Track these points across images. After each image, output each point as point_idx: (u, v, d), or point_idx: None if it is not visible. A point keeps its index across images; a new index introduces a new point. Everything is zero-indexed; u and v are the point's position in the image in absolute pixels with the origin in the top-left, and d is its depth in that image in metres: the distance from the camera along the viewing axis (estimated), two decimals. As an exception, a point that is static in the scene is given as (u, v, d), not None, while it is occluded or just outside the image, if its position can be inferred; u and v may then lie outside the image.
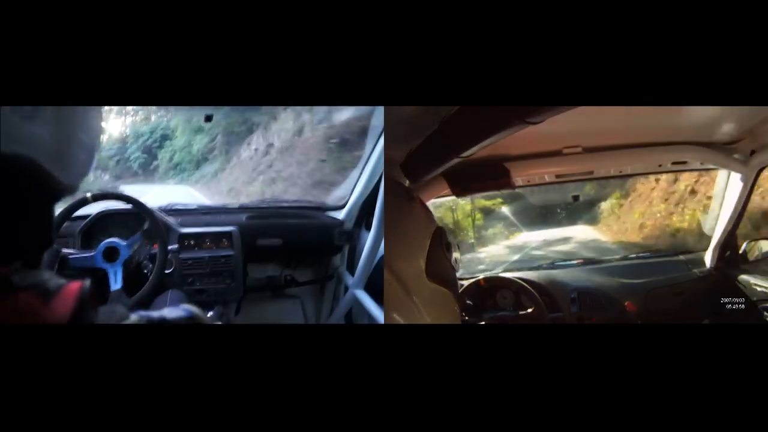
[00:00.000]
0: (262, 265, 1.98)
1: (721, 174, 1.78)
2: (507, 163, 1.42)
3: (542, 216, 6.93)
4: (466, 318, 1.72)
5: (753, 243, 1.76)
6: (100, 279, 1.43)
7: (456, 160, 0.88)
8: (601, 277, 1.90)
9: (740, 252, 1.77)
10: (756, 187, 1.66)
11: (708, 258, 1.84)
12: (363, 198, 1.86)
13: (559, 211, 7.16)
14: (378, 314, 1.48)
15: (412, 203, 0.99)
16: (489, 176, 1.40)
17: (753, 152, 1.55)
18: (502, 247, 6.38)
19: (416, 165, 0.99)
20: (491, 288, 1.78)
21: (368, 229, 1.84)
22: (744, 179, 1.63)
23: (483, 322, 1.70)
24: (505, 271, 1.97)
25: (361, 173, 1.84)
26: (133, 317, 0.47)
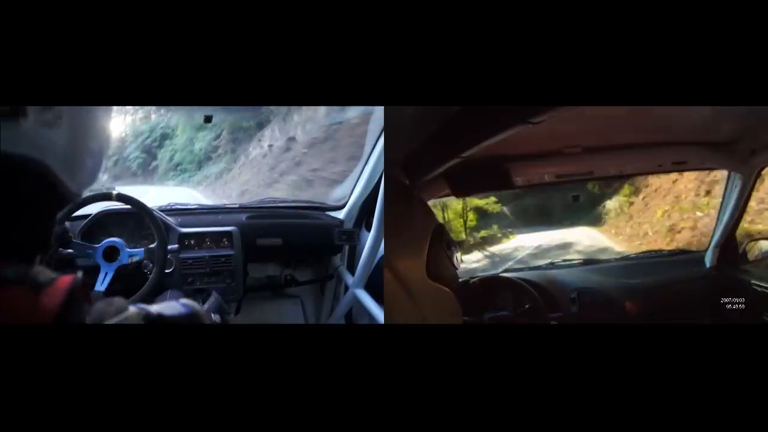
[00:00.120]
0: (262, 264, 1.98)
1: (721, 174, 1.78)
2: (507, 163, 1.42)
3: (540, 217, 6.38)
4: (466, 318, 1.72)
5: (753, 243, 1.76)
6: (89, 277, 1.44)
7: (456, 160, 0.88)
8: (601, 277, 1.90)
9: (740, 252, 1.77)
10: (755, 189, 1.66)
11: (708, 258, 1.84)
12: (363, 198, 1.86)
13: (558, 211, 6.57)
14: (378, 314, 1.48)
15: (412, 202, 0.99)
16: (489, 176, 1.40)
17: (753, 152, 1.55)
18: (495, 252, 5.84)
19: (416, 165, 0.99)
20: (491, 288, 1.78)
21: (368, 228, 1.84)
22: (744, 179, 1.62)
23: (483, 322, 1.70)
24: (505, 271, 1.97)
25: (361, 173, 1.84)
26: (132, 309, 0.47)
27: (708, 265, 1.83)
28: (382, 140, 1.63)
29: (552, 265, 2.10)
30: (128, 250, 1.47)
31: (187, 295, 1.57)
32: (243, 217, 1.83)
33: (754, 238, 1.80)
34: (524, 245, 5.81)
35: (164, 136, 8.76)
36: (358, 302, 1.69)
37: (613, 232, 5.93)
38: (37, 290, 0.42)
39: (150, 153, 8.73)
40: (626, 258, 2.16)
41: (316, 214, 1.98)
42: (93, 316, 0.44)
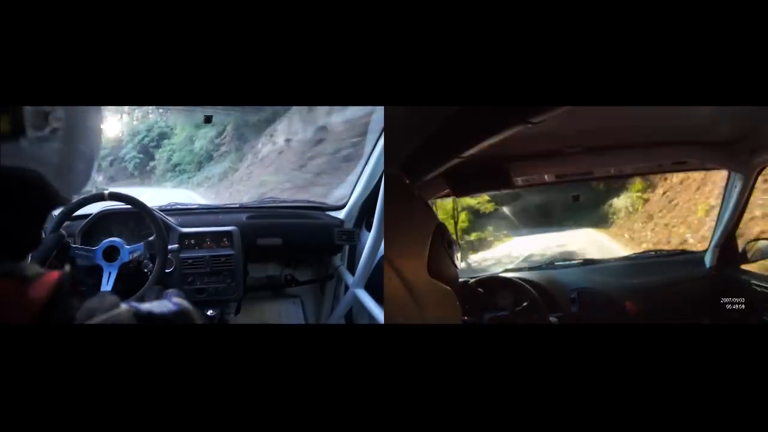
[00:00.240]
0: (263, 264, 1.98)
1: (721, 174, 1.78)
2: (507, 163, 1.42)
3: (539, 218, 5.77)
4: (466, 318, 1.72)
5: (753, 243, 1.76)
6: (95, 279, 1.43)
7: (456, 160, 0.88)
8: (601, 277, 1.90)
9: (740, 252, 1.77)
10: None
11: (708, 258, 1.83)
12: (363, 197, 1.86)
13: (558, 211, 5.97)
14: (378, 313, 1.48)
15: (412, 202, 0.99)
16: (489, 176, 1.40)
17: (753, 152, 1.55)
18: (487, 256, 5.34)
19: (416, 165, 0.99)
20: (491, 288, 1.78)
21: (368, 228, 1.84)
22: (744, 179, 1.62)
23: (483, 323, 1.69)
24: (504, 271, 1.97)
25: (361, 173, 1.84)
26: (123, 306, 0.48)
27: (708, 265, 1.83)
28: (382, 140, 1.63)
29: (552, 265, 2.10)
30: (128, 247, 1.47)
31: (187, 295, 1.57)
32: (243, 216, 1.83)
33: (754, 238, 1.79)
34: (515, 254, 5.21)
35: (162, 135, 8.34)
36: (358, 302, 1.69)
37: (626, 236, 4.99)
38: (26, 283, 0.43)
39: (147, 153, 8.33)
40: (626, 258, 2.16)
41: (316, 214, 1.98)
42: (84, 312, 0.45)
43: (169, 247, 1.55)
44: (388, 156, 1.03)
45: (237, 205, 1.99)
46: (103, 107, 0.57)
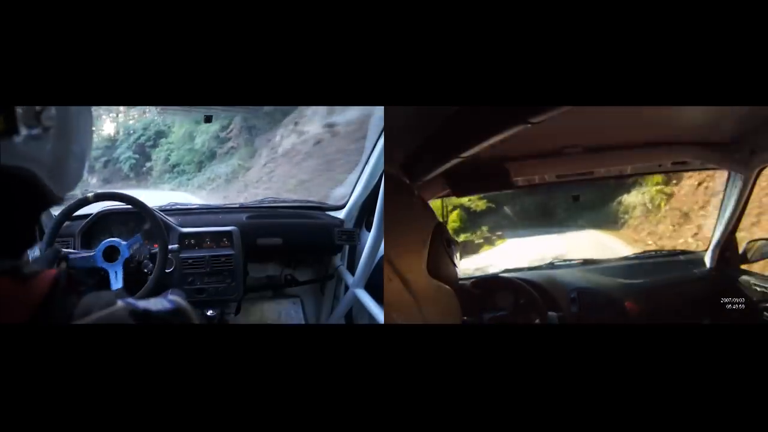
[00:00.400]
0: (263, 264, 1.98)
1: (721, 174, 1.78)
2: (507, 163, 1.43)
3: (540, 217, 5.17)
4: (466, 318, 1.72)
5: (753, 243, 1.76)
6: (102, 278, 1.43)
7: (456, 160, 0.88)
8: (601, 277, 1.90)
9: (740, 252, 1.77)
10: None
11: (708, 258, 1.84)
12: (363, 197, 1.86)
13: (558, 210, 5.36)
14: (378, 313, 1.48)
15: (412, 201, 0.99)
16: (489, 176, 1.40)
17: (753, 152, 1.55)
18: (480, 261, 4.67)
19: (416, 165, 1.00)
20: (491, 288, 1.78)
21: (368, 228, 1.84)
22: (744, 179, 1.63)
23: (483, 323, 1.69)
24: (504, 271, 1.97)
25: (361, 173, 1.84)
26: (120, 303, 0.48)
27: (708, 265, 1.83)
28: (382, 140, 1.63)
29: (552, 265, 2.10)
30: (125, 243, 1.47)
31: (187, 295, 1.57)
32: (243, 216, 1.83)
33: (754, 238, 1.79)
34: (503, 264, 4.27)
35: (159, 134, 7.62)
36: (358, 302, 1.68)
37: (650, 241, 3.88)
38: (23, 282, 0.43)
39: (143, 153, 7.66)
40: (626, 258, 2.16)
41: (316, 214, 1.98)
42: (81, 309, 0.45)
43: (169, 247, 1.55)
44: (388, 156, 1.03)
45: (237, 205, 1.99)
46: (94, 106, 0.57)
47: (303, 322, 2.08)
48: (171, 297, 0.59)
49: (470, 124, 0.78)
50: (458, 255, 1.02)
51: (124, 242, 1.47)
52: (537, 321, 1.61)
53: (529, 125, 0.69)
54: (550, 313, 1.64)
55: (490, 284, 1.77)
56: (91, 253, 1.45)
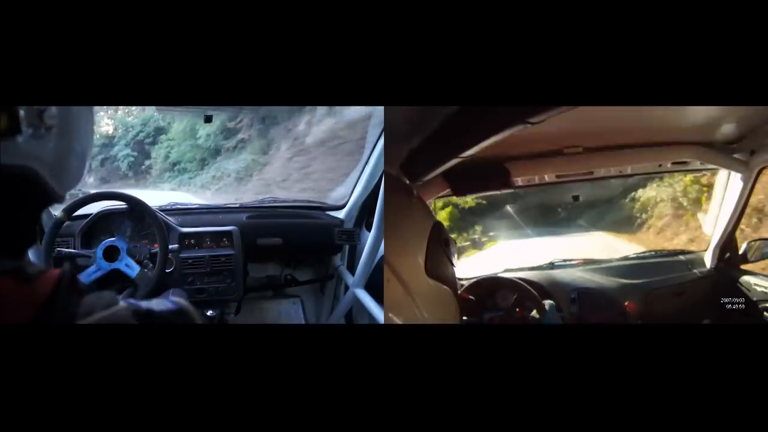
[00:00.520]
0: (263, 264, 1.98)
1: (721, 174, 1.78)
2: (507, 163, 1.43)
3: (538, 218, 4.64)
4: (466, 318, 1.72)
5: (753, 243, 1.76)
6: (119, 277, 1.45)
7: (456, 160, 0.88)
8: (601, 277, 1.90)
9: (740, 252, 1.77)
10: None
11: (708, 258, 1.84)
12: (363, 197, 1.86)
13: (560, 211, 4.91)
14: (378, 313, 1.48)
15: (411, 201, 0.99)
16: (489, 176, 1.40)
17: (753, 152, 1.55)
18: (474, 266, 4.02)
19: (416, 165, 0.99)
20: (491, 288, 1.77)
21: (368, 228, 1.84)
22: (744, 179, 1.63)
23: (483, 323, 1.69)
24: (504, 271, 1.97)
25: (361, 173, 1.84)
26: (123, 303, 0.48)
27: (708, 265, 1.83)
28: (382, 140, 1.63)
29: (552, 265, 2.09)
30: (125, 242, 1.48)
31: (187, 295, 1.57)
32: (243, 216, 1.83)
33: (754, 238, 1.79)
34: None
35: (159, 130, 7.22)
36: (358, 302, 1.69)
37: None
38: (26, 281, 0.43)
39: (143, 150, 7.29)
40: (626, 258, 2.16)
41: (316, 214, 1.98)
42: (83, 309, 0.45)
43: (170, 247, 1.55)
44: (388, 156, 1.03)
45: (237, 205, 1.99)
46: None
47: (303, 322, 2.09)
48: (173, 298, 0.60)
49: (470, 124, 0.78)
50: (456, 254, 1.02)
51: (123, 242, 1.48)
52: (534, 313, 1.60)
53: (529, 125, 0.69)
54: (545, 301, 1.64)
55: (491, 284, 1.77)
56: (91, 253, 1.45)
